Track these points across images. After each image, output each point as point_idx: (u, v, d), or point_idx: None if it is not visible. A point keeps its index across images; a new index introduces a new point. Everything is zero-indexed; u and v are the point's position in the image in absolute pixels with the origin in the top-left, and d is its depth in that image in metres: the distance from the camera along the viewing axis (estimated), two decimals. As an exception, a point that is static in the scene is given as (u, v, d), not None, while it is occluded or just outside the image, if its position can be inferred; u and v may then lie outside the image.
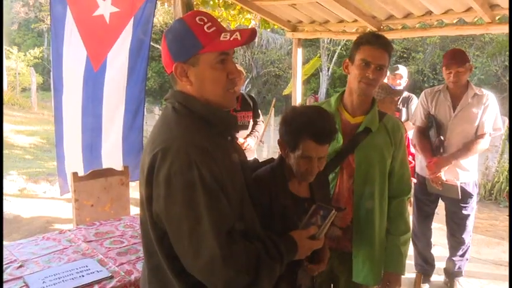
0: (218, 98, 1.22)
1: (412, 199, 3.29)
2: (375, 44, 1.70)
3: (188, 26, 1.18)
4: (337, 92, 1.98)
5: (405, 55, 16.56)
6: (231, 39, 1.16)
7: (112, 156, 3.61)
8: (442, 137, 3.01)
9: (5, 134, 10.76)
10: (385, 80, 4.02)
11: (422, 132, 3.18)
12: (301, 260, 1.48)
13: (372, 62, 1.71)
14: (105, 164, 3.52)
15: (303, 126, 1.43)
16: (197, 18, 1.19)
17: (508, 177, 5.98)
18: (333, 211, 1.40)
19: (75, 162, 3.59)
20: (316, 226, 1.39)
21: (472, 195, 3.12)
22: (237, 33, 1.18)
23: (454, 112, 3.03)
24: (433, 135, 3.08)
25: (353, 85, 1.78)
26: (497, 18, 3.41)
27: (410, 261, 3.54)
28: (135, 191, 4.33)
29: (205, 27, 1.18)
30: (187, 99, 1.22)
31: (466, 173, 3.08)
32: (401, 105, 3.92)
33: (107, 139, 3.68)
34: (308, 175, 1.49)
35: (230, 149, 1.26)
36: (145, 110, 3.75)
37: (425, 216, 3.32)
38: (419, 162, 3.29)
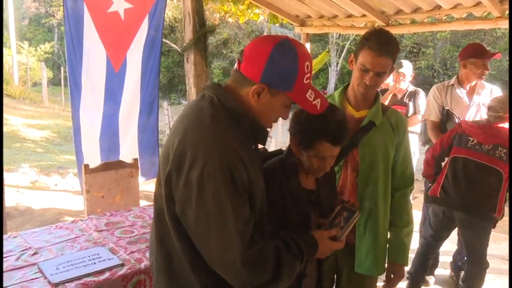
0: (263, 121, 1.29)
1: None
2: (376, 51, 1.65)
3: (297, 68, 1.21)
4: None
5: (415, 50, 16.42)
6: (313, 103, 1.26)
7: (128, 156, 3.63)
8: None
9: (16, 128, 10.94)
10: (391, 77, 3.99)
11: (439, 127, 3.19)
12: (306, 263, 1.52)
13: (370, 69, 1.69)
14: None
15: (319, 129, 1.41)
16: (306, 64, 1.22)
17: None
18: (357, 213, 1.45)
19: (93, 162, 3.63)
20: (339, 227, 1.42)
21: None
22: (319, 100, 1.27)
23: (470, 105, 3.06)
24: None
25: (354, 84, 1.79)
26: (506, 13, 3.39)
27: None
28: (144, 184, 4.39)
29: (305, 78, 1.23)
30: (230, 100, 1.23)
31: None
32: (407, 99, 3.92)
33: (124, 140, 3.71)
34: (320, 172, 1.51)
35: (254, 156, 1.30)
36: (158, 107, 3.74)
37: None
38: None
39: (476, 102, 3.07)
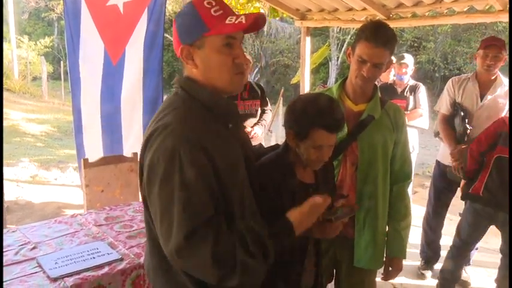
0: (224, 82, 1.21)
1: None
2: (373, 42, 1.64)
3: (195, 9, 1.18)
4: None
5: (416, 44, 16.33)
6: (236, 22, 1.15)
7: (131, 152, 3.59)
8: (467, 125, 2.95)
9: (16, 122, 10.93)
10: (392, 71, 4.02)
11: (447, 120, 3.14)
12: (304, 259, 1.52)
13: (368, 61, 1.68)
14: None
15: (314, 116, 1.41)
16: (205, 2, 1.19)
17: None
18: (352, 209, 1.53)
19: (95, 157, 3.58)
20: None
21: None
22: (243, 16, 1.17)
23: (481, 101, 2.99)
24: (458, 124, 3.03)
25: (352, 77, 1.78)
26: (508, 6, 3.37)
27: (416, 249, 3.56)
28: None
29: (212, 11, 1.18)
30: (190, 85, 1.23)
31: None
32: (408, 93, 3.91)
33: (128, 137, 3.64)
34: (318, 163, 1.50)
35: (231, 137, 1.25)
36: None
37: (441, 205, 3.31)
38: (441, 149, 3.27)
39: (488, 98, 2.97)
